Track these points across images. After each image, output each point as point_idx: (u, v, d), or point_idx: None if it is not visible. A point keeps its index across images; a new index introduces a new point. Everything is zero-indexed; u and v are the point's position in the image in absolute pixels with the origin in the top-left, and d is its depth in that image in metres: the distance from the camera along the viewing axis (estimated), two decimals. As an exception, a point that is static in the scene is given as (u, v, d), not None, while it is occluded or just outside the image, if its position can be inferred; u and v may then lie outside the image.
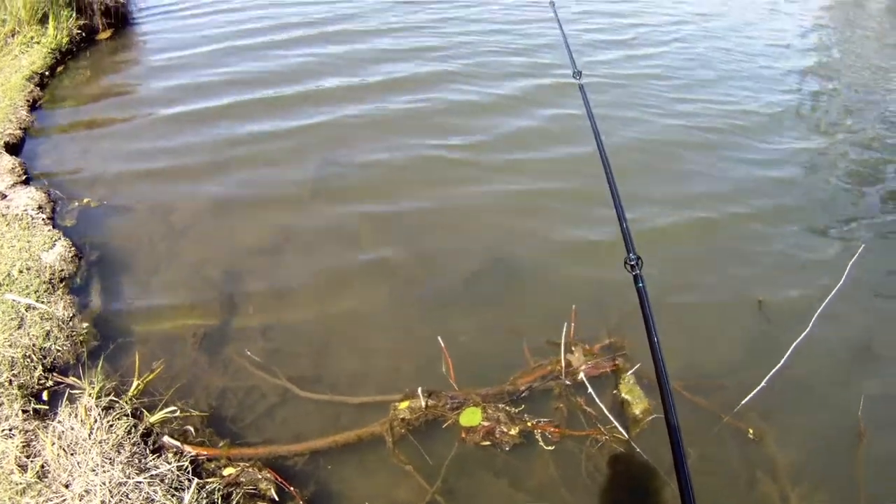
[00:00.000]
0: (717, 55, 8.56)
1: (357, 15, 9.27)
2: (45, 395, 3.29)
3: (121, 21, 8.83)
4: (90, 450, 2.90)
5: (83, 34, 8.15)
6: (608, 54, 8.25)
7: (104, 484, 2.74)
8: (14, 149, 5.70)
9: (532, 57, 8.06)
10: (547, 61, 7.88)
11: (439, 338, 3.66)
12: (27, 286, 3.92)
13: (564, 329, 3.70)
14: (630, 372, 3.56)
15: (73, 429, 3.01)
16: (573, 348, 3.71)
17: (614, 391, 3.54)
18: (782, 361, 3.50)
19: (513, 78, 7.44)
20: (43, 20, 7.81)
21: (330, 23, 8.92)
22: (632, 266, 2.07)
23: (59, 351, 3.55)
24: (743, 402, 3.43)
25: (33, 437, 2.99)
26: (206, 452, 3.13)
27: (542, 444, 3.22)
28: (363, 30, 8.73)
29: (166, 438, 3.13)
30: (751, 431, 3.37)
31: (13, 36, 7.60)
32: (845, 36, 10.23)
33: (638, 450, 3.24)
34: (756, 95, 7.36)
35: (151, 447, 3.08)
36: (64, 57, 7.62)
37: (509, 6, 9.98)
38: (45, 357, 3.48)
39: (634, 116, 6.61)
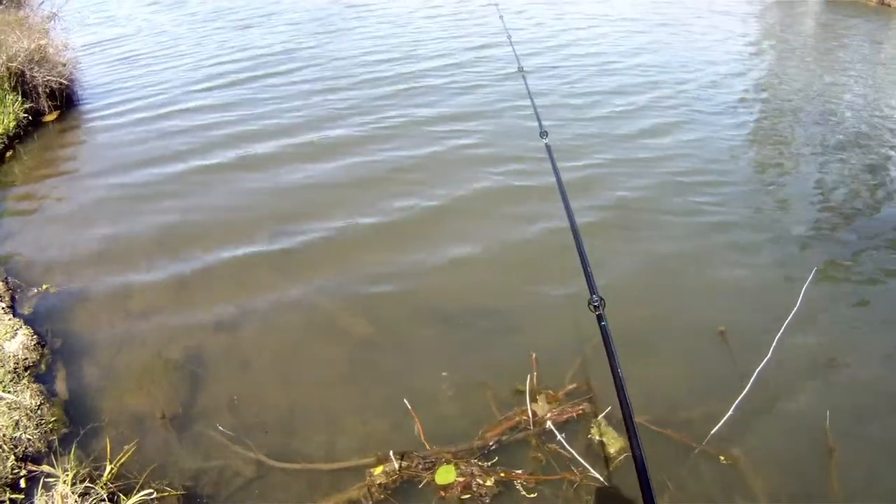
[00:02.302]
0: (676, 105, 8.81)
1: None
2: (22, 483, 3.28)
3: (66, 102, 8.91)
4: (70, 538, 2.91)
5: (30, 117, 8.19)
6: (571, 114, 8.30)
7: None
8: (-33, 238, 5.69)
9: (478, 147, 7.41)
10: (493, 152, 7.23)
11: (406, 401, 3.78)
12: (-8, 377, 3.92)
13: (528, 379, 3.85)
14: (601, 415, 3.71)
15: (50, 518, 3.01)
16: (538, 397, 3.86)
17: (588, 434, 3.67)
18: (748, 388, 3.71)
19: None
20: (-12, 105, 7.85)
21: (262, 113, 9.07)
22: (595, 307, 2.22)
23: (29, 439, 3.55)
24: (713, 430, 3.59)
25: (10, 529, 2.99)
26: (185, 531, 3.16)
27: (521, 491, 3.33)
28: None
29: (146, 521, 3.16)
30: (722, 458, 3.51)
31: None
32: (789, 64, 10.96)
33: (614, 488, 3.37)
34: (702, 128, 7.79)
35: (131, 530, 3.09)
36: (12, 142, 7.67)
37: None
38: (16, 446, 3.48)
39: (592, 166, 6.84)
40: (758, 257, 5.32)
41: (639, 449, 1.73)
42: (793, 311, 4.16)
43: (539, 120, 3.95)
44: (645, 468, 1.68)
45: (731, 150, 7.26)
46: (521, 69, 4.51)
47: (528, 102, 4.45)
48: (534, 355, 4.04)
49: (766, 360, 3.84)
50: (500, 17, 6.46)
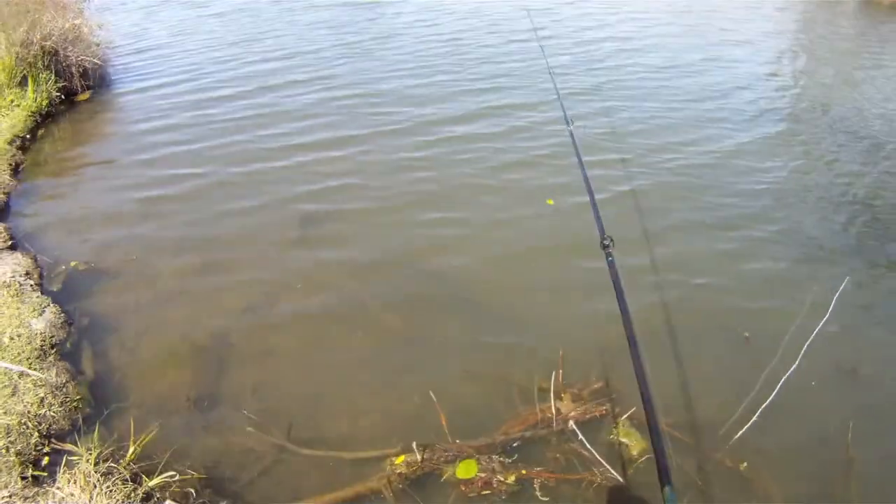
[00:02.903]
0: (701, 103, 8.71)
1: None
2: (44, 462, 3.30)
3: (99, 82, 8.96)
4: (92, 517, 2.93)
5: (62, 96, 8.23)
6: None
7: (108, 551, 2.76)
8: (-2, 213, 5.75)
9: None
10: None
11: (431, 392, 3.75)
12: (19, 353, 3.94)
13: (553, 376, 3.81)
14: (625, 416, 3.66)
15: (72, 495, 3.02)
16: (562, 394, 3.81)
17: (610, 435, 3.63)
18: (773, 395, 3.64)
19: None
20: (22, 83, 7.91)
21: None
22: (605, 245, 2.55)
23: (54, 417, 3.57)
24: (736, 436, 3.55)
25: (33, 505, 3.01)
26: (206, 515, 3.16)
27: (538, 490, 3.29)
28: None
29: (168, 503, 3.16)
30: (744, 465, 3.45)
31: (-7, 100, 7.69)
32: (817, 66, 10.74)
33: (635, 490, 3.32)
34: (736, 134, 7.65)
35: (152, 511, 3.11)
36: (44, 120, 7.73)
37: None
38: (40, 424, 3.50)
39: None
40: (790, 264, 5.21)
41: (654, 414, 1.79)
42: (823, 320, 4.07)
43: (565, 112, 3.88)
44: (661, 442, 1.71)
45: (769, 158, 7.05)
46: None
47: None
48: (560, 352, 3.99)
49: (793, 368, 3.76)
50: (550, 64, 6.00)
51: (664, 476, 1.65)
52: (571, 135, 3.83)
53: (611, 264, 2.45)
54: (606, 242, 2.57)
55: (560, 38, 11.26)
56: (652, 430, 1.76)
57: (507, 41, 11.18)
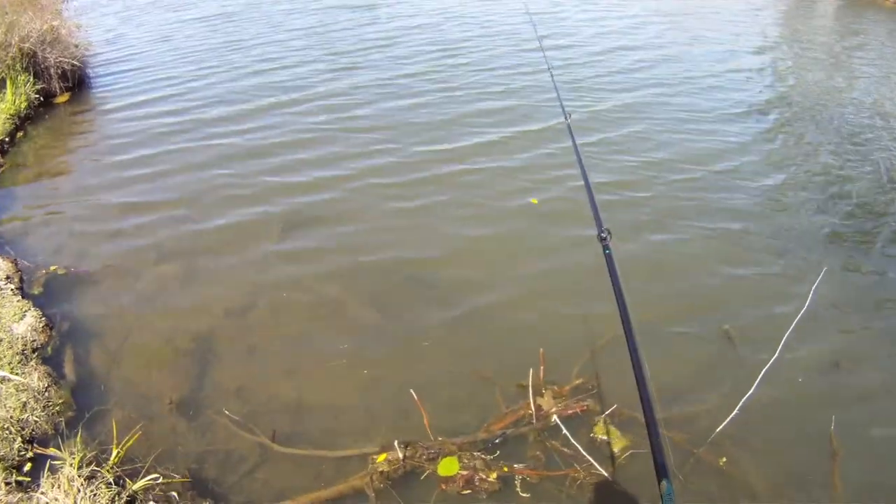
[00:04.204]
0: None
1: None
2: (27, 467, 3.31)
3: (78, 84, 8.91)
4: (76, 520, 2.94)
5: (41, 98, 8.19)
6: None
7: (92, 554, 2.77)
8: (-23, 218, 5.72)
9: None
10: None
11: (412, 391, 3.78)
12: (0, 358, 3.94)
13: (531, 374, 3.85)
14: (606, 412, 3.71)
15: (56, 500, 3.03)
16: (544, 391, 3.86)
17: (591, 432, 3.67)
18: (753, 388, 3.70)
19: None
20: (0, 85, 7.85)
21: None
22: (602, 238, 2.57)
23: (36, 422, 3.58)
24: (717, 430, 3.59)
25: (17, 510, 3.02)
26: (190, 516, 3.18)
27: (520, 488, 3.34)
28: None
29: (151, 504, 3.18)
30: (723, 461, 3.49)
31: (-30, 103, 7.63)
32: (803, 63, 10.89)
33: (618, 485, 3.37)
34: (725, 132, 7.76)
35: (136, 514, 3.12)
36: (23, 122, 7.69)
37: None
38: (23, 428, 3.51)
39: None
40: (767, 256, 5.29)
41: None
42: (801, 311, 4.13)
43: (562, 105, 3.91)
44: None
45: (746, 154, 7.18)
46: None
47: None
48: (541, 350, 4.04)
49: (772, 360, 3.82)
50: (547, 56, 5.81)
51: (661, 471, 1.65)
52: (569, 127, 3.87)
53: (608, 257, 2.47)
54: (604, 235, 2.58)
55: (560, 37, 11.38)
56: (649, 424, 1.75)
57: (506, 38, 11.34)
